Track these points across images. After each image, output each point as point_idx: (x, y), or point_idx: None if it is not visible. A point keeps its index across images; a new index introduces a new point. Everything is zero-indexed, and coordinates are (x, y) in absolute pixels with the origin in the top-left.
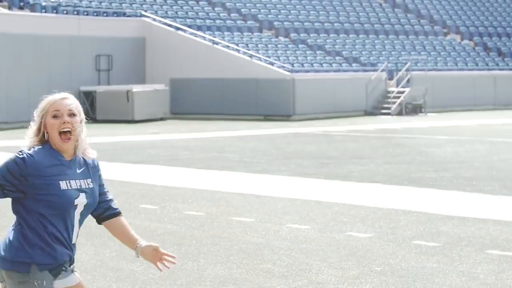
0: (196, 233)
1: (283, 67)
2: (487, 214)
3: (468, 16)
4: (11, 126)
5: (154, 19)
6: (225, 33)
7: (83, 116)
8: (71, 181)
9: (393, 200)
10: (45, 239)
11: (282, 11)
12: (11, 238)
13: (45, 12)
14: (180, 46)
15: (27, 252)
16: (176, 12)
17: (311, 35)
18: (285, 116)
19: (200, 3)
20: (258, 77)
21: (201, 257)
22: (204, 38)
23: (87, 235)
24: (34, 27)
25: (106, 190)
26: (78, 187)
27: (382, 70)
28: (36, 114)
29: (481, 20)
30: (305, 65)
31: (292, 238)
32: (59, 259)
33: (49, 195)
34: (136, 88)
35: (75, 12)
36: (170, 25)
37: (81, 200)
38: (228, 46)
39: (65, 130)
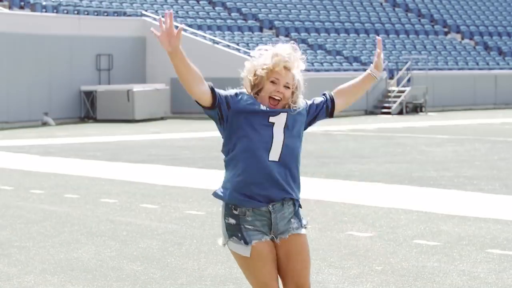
0: (196, 233)
1: None
2: (487, 213)
3: (468, 15)
4: (12, 125)
5: (155, 19)
6: (226, 32)
7: (299, 85)
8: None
9: (394, 199)
10: None
11: (282, 11)
12: None
13: (46, 11)
14: (180, 46)
15: None
16: (177, 12)
17: (312, 34)
18: None
19: (201, 2)
20: None
21: (202, 256)
22: (204, 37)
23: (88, 235)
24: (34, 27)
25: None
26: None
27: (383, 70)
28: (259, 65)
29: (481, 19)
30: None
31: None
32: None
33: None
34: (136, 88)
35: (76, 12)
36: None
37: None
38: (228, 46)
39: (275, 97)
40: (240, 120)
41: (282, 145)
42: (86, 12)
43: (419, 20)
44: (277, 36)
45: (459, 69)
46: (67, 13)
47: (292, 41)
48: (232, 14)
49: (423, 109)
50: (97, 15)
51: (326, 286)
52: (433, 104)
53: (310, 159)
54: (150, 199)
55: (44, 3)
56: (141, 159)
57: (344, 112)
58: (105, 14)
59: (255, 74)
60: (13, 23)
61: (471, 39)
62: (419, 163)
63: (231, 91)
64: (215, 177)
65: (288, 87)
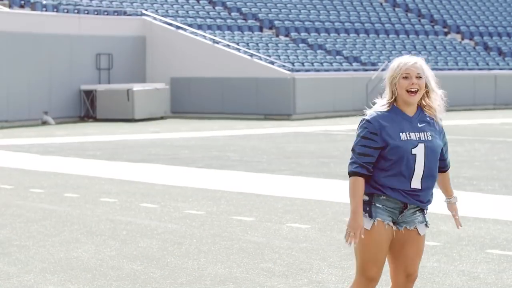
0: (196, 232)
1: (284, 66)
2: (487, 214)
3: (468, 16)
4: (12, 124)
5: (155, 18)
6: (226, 32)
7: (430, 79)
8: (410, 133)
9: None
10: None
11: (282, 10)
12: None
13: (46, 10)
14: (180, 45)
15: None
16: (177, 11)
17: (312, 34)
18: (286, 115)
19: (201, 2)
20: (259, 76)
21: (202, 256)
22: (204, 37)
23: (87, 234)
24: (34, 26)
25: (445, 151)
26: (417, 139)
27: (383, 70)
28: (388, 80)
29: (481, 19)
30: (305, 64)
31: (292, 237)
32: None
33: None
34: (136, 87)
35: (76, 11)
36: (170, 24)
37: (419, 150)
38: (228, 45)
39: (412, 90)
40: None
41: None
42: (86, 11)
43: (419, 20)
44: (277, 36)
45: (459, 69)
46: (67, 12)
47: (291, 41)
48: (232, 13)
49: None
50: (97, 14)
51: (326, 286)
52: None
53: (310, 159)
54: (150, 198)
55: (44, 2)
56: (141, 159)
57: (344, 111)
58: (105, 13)
59: (391, 82)
60: (13, 22)
61: (471, 39)
62: None
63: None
64: (215, 177)
65: (420, 77)
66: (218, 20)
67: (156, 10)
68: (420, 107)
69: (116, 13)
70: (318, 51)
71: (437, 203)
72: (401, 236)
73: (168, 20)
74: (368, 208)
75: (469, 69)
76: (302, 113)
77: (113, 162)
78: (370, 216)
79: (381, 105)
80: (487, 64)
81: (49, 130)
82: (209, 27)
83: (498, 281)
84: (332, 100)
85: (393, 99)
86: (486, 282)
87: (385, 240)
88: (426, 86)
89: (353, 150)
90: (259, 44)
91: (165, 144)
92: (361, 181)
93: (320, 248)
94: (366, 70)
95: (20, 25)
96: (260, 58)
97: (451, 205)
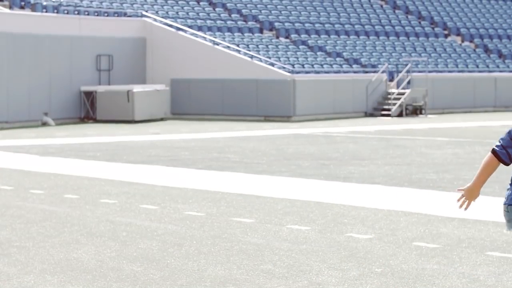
0: (196, 234)
1: (284, 68)
2: (487, 216)
3: (469, 18)
4: (12, 125)
5: (155, 20)
6: (226, 33)
7: None
8: None
9: (394, 201)
10: None
11: (283, 12)
12: None
13: (46, 11)
14: (180, 47)
15: None
16: (177, 13)
17: (312, 36)
18: (286, 117)
19: (201, 3)
20: (259, 77)
21: (202, 257)
22: (204, 38)
23: (87, 235)
24: (34, 27)
25: None
26: None
27: (383, 72)
28: None
29: (481, 22)
30: (305, 66)
31: (292, 239)
32: None
33: None
34: (136, 88)
35: (76, 12)
36: (171, 26)
37: None
38: (228, 47)
39: None
40: None
41: None
42: (86, 13)
43: (419, 22)
44: (277, 37)
45: (459, 71)
46: (67, 13)
47: (291, 42)
48: (233, 15)
49: (423, 112)
50: (97, 15)
51: (325, 287)
52: (433, 107)
53: (310, 160)
54: (150, 199)
55: (44, 3)
56: (141, 160)
57: (344, 113)
58: (106, 14)
59: None
60: (13, 23)
61: (471, 41)
62: (419, 165)
63: None
64: (215, 178)
65: None
66: (218, 22)
67: (157, 12)
68: None
69: (116, 14)
70: (318, 53)
71: (437, 205)
72: None
73: (168, 21)
74: None
75: (469, 72)
76: (302, 115)
77: (113, 163)
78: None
79: None
80: (487, 66)
81: (49, 131)
82: (209, 29)
83: (498, 283)
84: (332, 102)
85: None
86: (486, 285)
87: None
88: None
89: (509, 132)
90: (259, 46)
91: (165, 145)
92: (495, 162)
93: (320, 250)
94: (366, 72)
95: (20, 26)
96: (260, 60)
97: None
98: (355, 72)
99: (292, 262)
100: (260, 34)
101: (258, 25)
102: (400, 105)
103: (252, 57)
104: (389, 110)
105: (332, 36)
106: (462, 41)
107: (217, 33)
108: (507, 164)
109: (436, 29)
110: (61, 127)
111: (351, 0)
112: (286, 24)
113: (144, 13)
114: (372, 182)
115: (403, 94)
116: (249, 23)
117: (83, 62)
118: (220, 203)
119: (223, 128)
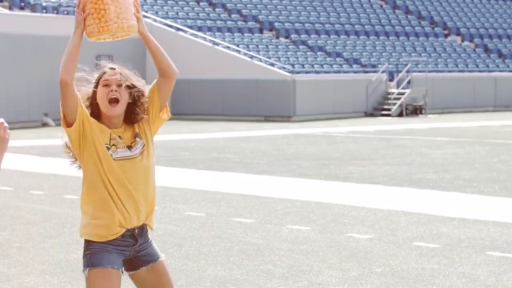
0: (196, 234)
1: (284, 68)
2: (487, 216)
3: (468, 18)
4: (11, 126)
5: (155, 20)
6: (226, 34)
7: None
8: None
9: (394, 201)
10: None
11: (282, 12)
12: None
13: (46, 12)
14: (180, 47)
15: None
16: (177, 13)
17: (312, 36)
18: (286, 117)
19: (201, 4)
20: (259, 78)
21: (202, 257)
22: (204, 39)
23: None
24: (34, 28)
25: None
26: None
27: (383, 72)
28: None
29: (481, 21)
30: (305, 66)
31: (292, 239)
32: None
33: None
34: None
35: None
36: (170, 26)
37: None
38: (228, 47)
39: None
40: None
41: None
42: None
43: (419, 22)
44: (277, 37)
45: (459, 71)
46: (67, 14)
47: (291, 43)
48: (232, 15)
49: (423, 111)
50: None
51: None
52: (433, 106)
53: (310, 161)
54: None
55: (44, 4)
56: None
57: (344, 113)
58: None
59: None
60: (13, 24)
61: (471, 41)
62: (419, 165)
63: None
64: (215, 179)
65: None
66: (218, 22)
67: (156, 12)
68: None
69: None
70: (318, 53)
71: (437, 205)
72: None
73: (168, 22)
74: None
75: (469, 71)
76: (302, 115)
77: None
78: None
79: None
80: (487, 66)
81: (49, 132)
82: (209, 29)
83: (498, 283)
84: (332, 102)
85: None
86: (486, 284)
87: None
88: None
89: None
90: (259, 46)
91: (165, 145)
92: None
93: (320, 250)
94: (366, 72)
95: (20, 26)
96: (260, 60)
97: None
98: (355, 72)
99: (292, 262)
100: (260, 34)
101: (258, 25)
102: (400, 105)
103: (252, 57)
104: (389, 110)
105: (332, 36)
106: (462, 41)
107: (217, 34)
108: None
109: (436, 29)
110: (61, 128)
111: (351, 0)
112: (286, 24)
113: (144, 13)
114: (372, 182)
115: (403, 94)
116: (249, 23)
117: (83, 63)
118: (220, 203)
119: (223, 128)
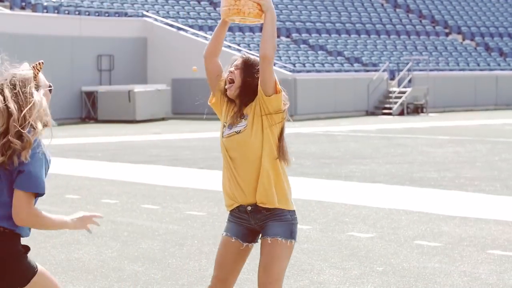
0: (197, 233)
1: (285, 67)
2: (488, 214)
3: (469, 16)
4: None
5: (156, 19)
6: (227, 33)
7: None
8: None
9: (395, 200)
10: None
11: (283, 11)
12: None
13: (47, 12)
14: (181, 46)
15: None
16: (178, 12)
17: (313, 35)
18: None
19: (202, 3)
20: None
21: (203, 257)
22: (205, 38)
23: (88, 235)
24: (35, 27)
25: None
26: None
27: (384, 70)
28: None
29: (482, 20)
30: (306, 65)
31: None
32: None
33: None
34: (137, 88)
35: (77, 12)
36: (171, 25)
37: None
38: (229, 46)
39: None
40: None
41: None
42: (87, 13)
43: (420, 21)
44: (278, 37)
45: (460, 70)
46: (68, 13)
47: (292, 42)
48: None
49: (424, 110)
50: (98, 15)
51: (327, 286)
52: (434, 105)
53: (311, 159)
54: (151, 199)
55: (45, 4)
56: (142, 160)
57: (345, 112)
58: (106, 14)
59: None
60: (14, 24)
61: (472, 40)
62: (420, 164)
63: None
64: (216, 178)
65: None
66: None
67: (157, 11)
68: None
69: (117, 15)
70: (319, 52)
71: (438, 203)
72: None
73: (169, 21)
74: None
75: (470, 70)
76: (303, 114)
77: (114, 163)
78: None
79: None
80: (488, 64)
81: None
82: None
83: (499, 281)
84: (333, 101)
85: None
86: (487, 283)
87: None
88: None
89: None
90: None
91: (166, 145)
92: None
93: (321, 249)
94: (367, 70)
95: (21, 26)
96: None
97: None
98: (356, 71)
99: (293, 261)
100: (260, 33)
101: (258, 24)
102: (401, 104)
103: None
104: (390, 108)
105: (333, 35)
106: (463, 40)
107: None
108: None
109: (437, 27)
110: (62, 127)
111: None
112: (287, 23)
113: (145, 13)
114: (373, 180)
115: (404, 92)
116: None
117: (84, 62)
118: (221, 202)
119: None
